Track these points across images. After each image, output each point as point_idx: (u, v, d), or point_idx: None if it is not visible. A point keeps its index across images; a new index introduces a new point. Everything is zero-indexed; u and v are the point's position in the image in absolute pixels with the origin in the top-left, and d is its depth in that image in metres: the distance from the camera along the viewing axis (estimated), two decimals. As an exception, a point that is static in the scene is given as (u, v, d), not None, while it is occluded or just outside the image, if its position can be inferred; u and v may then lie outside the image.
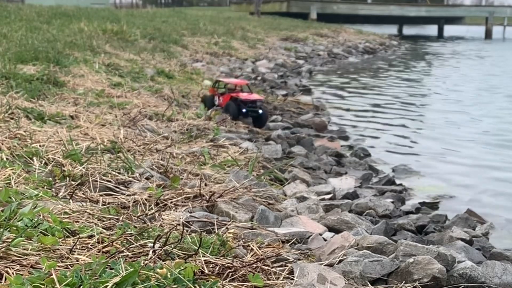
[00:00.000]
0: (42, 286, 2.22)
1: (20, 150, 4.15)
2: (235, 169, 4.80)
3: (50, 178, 3.76)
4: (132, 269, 2.30)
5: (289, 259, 2.99)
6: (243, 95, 7.94)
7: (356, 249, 3.16)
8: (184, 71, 11.12)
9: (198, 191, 3.90)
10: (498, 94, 13.55)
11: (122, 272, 2.30)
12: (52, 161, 4.06)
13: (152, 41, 14.13)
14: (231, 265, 2.71)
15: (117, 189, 3.86)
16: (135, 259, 2.61)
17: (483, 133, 8.99)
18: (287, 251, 3.15)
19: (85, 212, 3.20)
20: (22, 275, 2.29)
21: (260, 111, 7.81)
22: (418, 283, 2.84)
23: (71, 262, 2.54)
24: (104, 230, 2.98)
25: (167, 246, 2.76)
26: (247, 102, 7.80)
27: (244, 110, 7.72)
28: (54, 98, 6.27)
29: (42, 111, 5.48)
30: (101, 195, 3.66)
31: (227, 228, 3.33)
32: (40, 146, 4.32)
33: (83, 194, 3.64)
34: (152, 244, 2.79)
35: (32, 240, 2.67)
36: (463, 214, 4.65)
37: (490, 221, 4.75)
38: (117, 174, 4.11)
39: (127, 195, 3.74)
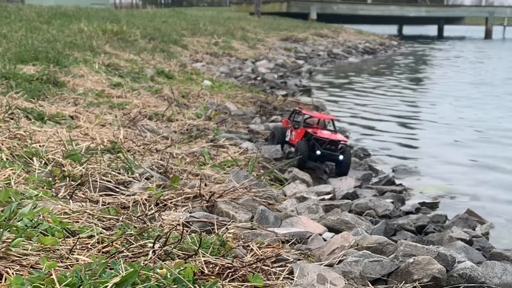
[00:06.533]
0: (42, 286, 2.22)
1: (20, 150, 4.15)
2: (235, 169, 4.80)
3: (50, 178, 3.76)
4: (132, 269, 2.30)
5: (289, 259, 2.99)
6: (321, 133, 5.96)
7: (356, 249, 3.16)
8: (184, 71, 11.12)
9: (198, 191, 3.90)
10: (498, 95, 13.56)
11: (122, 272, 2.30)
12: (52, 161, 4.06)
13: (152, 41, 14.13)
14: (231, 265, 2.71)
15: (117, 189, 3.86)
16: (135, 259, 2.61)
17: (483, 133, 8.99)
18: (287, 251, 3.15)
19: (85, 212, 3.20)
20: (22, 275, 2.29)
21: (341, 157, 5.80)
22: (418, 283, 2.84)
23: (71, 262, 2.54)
24: (104, 230, 2.98)
25: (167, 246, 2.76)
26: (324, 142, 5.83)
27: (318, 153, 5.77)
28: (54, 98, 6.27)
29: (42, 111, 5.48)
30: (101, 195, 3.66)
31: (227, 228, 3.33)
32: (40, 146, 4.32)
33: (83, 194, 3.64)
34: (152, 244, 2.79)
35: (32, 240, 2.67)
36: (463, 214, 4.65)
37: (490, 221, 4.76)
38: (117, 174, 4.11)
39: (127, 195, 3.74)
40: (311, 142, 5.82)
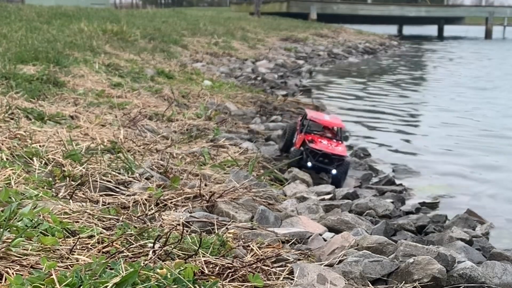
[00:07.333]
0: (42, 286, 2.22)
1: (20, 150, 4.15)
2: (235, 169, 4.80)
3: (50, 178, 3.76)
4: (132, 269, 2.30)
5: (289, 259, 2.99)
6: (317, 143, 5.68)
7: (356, 249, 3.16)
8: (184, 71, 11.12)
9: (198, 191, 3.90)
10: (498, 95, 13.56)
11: (122, 272, 2.30)
12: (52, 161, 4.06)
13: (152, 41, 14.13)
14: (231, 265, 2.71)
15: (117, 189, 3.86)
16: (135, 259, 2.61)
17: (483, 133, 8.99)
18: (287, 251, 3.15)
19: (85, 212, 3.20)
20: (22, 275, 2.29)
21: (334, 171, 5.52)
22: (418, 283, 2.84)
23: (71, 262, 2.54)
24: (104, 230, 2.98)
25: (167, 246, 2.76)
26: (317, 155, 5.57)
27: (309, 164, 5.57)
28: (54, 98, 6.27)
29: (42, 111, 5.48)
30: (101, 195, 3.66)
31: (227, 228, 3.32)
32: (40, 146, 4.32)
33: (83, 194, 3.64)
34: (152, 244, 2.79)
35: (32, 240, 2.67)
36: (463, 214, 4.65)
37: (490, 221, 4.76)
38: (117, 174, 4.11)
39: (127, 195, 3.74)
40: (305, 151, 5.60)
